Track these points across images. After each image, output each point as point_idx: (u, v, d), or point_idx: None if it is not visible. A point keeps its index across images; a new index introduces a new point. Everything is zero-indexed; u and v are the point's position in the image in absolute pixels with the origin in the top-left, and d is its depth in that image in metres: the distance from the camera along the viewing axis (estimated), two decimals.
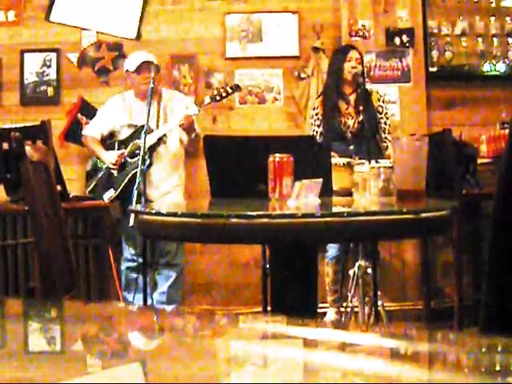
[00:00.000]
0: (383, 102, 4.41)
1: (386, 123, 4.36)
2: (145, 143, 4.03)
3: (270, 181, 2.44)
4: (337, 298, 4.41)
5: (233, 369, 0.67)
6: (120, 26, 5.21)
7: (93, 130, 4.63)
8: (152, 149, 4.35)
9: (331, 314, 4.44)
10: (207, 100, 4.36)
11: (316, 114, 4.43)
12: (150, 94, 4.11)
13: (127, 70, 4.57)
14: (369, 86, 4.49)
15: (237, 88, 4.46)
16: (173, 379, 0.63)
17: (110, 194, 4.44)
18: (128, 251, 4.56)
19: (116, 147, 4.53)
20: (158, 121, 4.46)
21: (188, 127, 4.34)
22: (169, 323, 0.91)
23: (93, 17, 5.18)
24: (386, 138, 4.33)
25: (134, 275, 4.43)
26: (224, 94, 4.35)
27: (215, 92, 4.39)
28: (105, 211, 4.60)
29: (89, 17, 5.18)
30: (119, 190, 4.40)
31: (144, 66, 4.43)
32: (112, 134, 4.60)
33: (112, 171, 4.46)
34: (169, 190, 4.53)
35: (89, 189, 4.58)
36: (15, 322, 0.93)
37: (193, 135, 4.44)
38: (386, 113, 4.40)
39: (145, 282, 4.07)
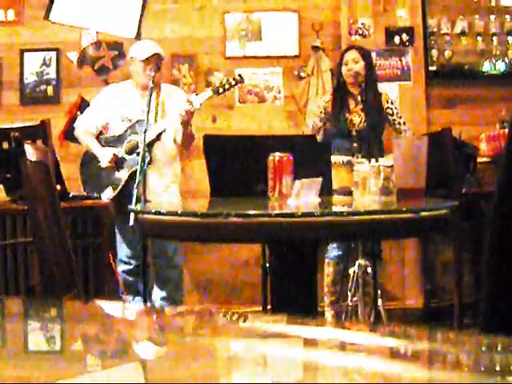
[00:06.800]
0: (391, 103, 4.38)
1: (400, 123, 4.33)
2: (144, 142, 3.89)
3: (269, 180, 2.44)
4: (335, 299, 4.39)
5: (232, 368, 0.67)
6: (120, 25, 5.20)
7: (86, 122, 4.38)
8: (151, 145, 4.15)
9: (328, 317, 4.41)
10: (209, 93, 4.11)
11: (324, 108, 4.39)
12: (150, 91, 3.94)
13: (132, 57, 4.32)
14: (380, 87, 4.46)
15: (240, 79, 4.17)
16: (173, 379, 0.63)
17: (108, 193, 4.27)
18: (123, 253, 4.38)
19: (111, 143, 4.32)
20: (156, 115, 4.25)
21: (188, 121, 4.08)
22: (169, 322, 0.91)
23: (93, 16, 5.18)
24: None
25: (132, 278, 4.30)
26: (227, 87, 4.10)
27: (217, 84, 4.17)
28: (104, 210, 4.58)
29: (89, 16, 5.18)
30: (119, 189, 4.23)
31: (154, 58, 4.21)
32: (106, 127, 4.38)
33: (109, 170, 4.28)
34: (164, 187, 4.34)
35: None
36: (14, 321, 0.93)
37: (188, 130, 4.17)
38: (398, 113, 4.36)
39: (144, 283, 3.96)
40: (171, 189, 4.38)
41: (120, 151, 4.28)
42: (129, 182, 4.13)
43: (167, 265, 4.39)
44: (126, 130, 4.29)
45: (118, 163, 4.27)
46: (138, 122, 4.14)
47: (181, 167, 4.55)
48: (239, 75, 4.22)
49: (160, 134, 4.22)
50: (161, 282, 4.42)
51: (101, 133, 4.42)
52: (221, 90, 4.09)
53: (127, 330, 0.89)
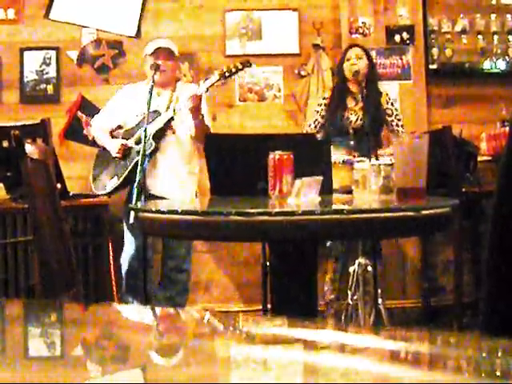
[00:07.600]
0: (392, 104, 4.38)
1: (398, 125, 4.33)
2: (144, 143, 3.82)
3: (270, 178, 2.44)
4: (334, 298, 4.39)
5: (233, 370, 0.67)
6: (120, 23, 5.20)
7: (101, 123, 4.39)
8: (160, 134, 4.11)
9: (328, 316, 4.40)
10: (216, 77, 3.99)
11: (325, 105, 4.38)
12: (150, 89, 3.90)
13: (145, 55, 4.31)
14: (380, 87, 4.45)
15: (247, 64, 4.01)
16: (173, 381, 0.63)
17: (113, 183, 4.22)
18: (130, 253, 4.30)
19: (125, 136, 4.30)
20: (168, 107, 4.20)
21: (195, 107, 4.00)
22: (170, 324, 0.91)
23: (92, 14, 5.17)
24: None
25: (135, 280, 4.22)
26: (234, 70, 3.96)
27: (224, 69, 4.01)
28: (104, 209, 4.57)
29: (88, 14, 5.17)
30: (122, 177, 4.18)
31: (162, 53, 4.21)
32: (120, 126, 4.38)
33: (117, 159, 4.24)
34: (176, 184, 4.23)
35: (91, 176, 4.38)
36: (13, 324, 0.93)
37: (199, 118, 4.08)
38: (397, 115, 4.35)
39: (145, 283, 3.91)
40: (185, 187, 4.27)
41: (130, 142, 4.24)
42: (134, 170, 3.99)
43: (176, 268, 4.33)
44: (137, 124, 4.24)
45: (127, 153, 4.23)
46: (148, 114, 4.07)
47: (199, 167, 4.36)
48: (247, 60, 4.08)
49: (168, 121, 4.16)
50: (168, 284, 4.37)
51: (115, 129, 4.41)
52: (228, 74, 3.97)
53: (129, 331, 0.89)
